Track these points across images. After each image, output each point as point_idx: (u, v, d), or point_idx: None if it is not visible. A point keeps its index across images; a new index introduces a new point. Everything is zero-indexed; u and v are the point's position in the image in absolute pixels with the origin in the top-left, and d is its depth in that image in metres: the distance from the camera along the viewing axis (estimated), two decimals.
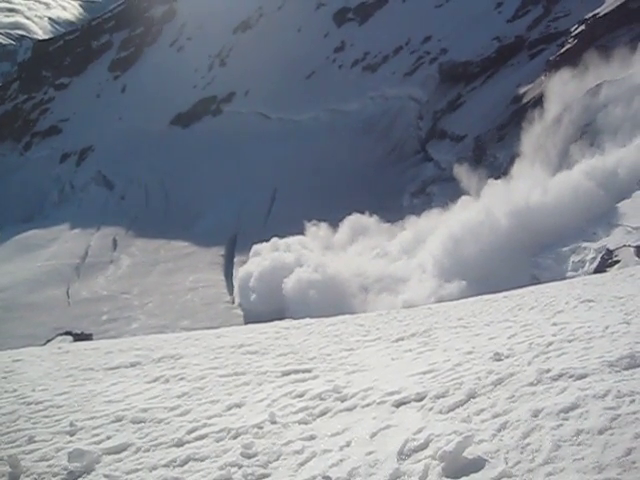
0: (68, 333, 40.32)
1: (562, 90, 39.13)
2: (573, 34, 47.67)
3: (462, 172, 42.49)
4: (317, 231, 47.87)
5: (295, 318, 12.51)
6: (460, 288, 29.36)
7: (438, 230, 36.23)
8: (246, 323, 31.87)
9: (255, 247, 49.10)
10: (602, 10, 46.80)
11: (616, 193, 27.68)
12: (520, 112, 45.34)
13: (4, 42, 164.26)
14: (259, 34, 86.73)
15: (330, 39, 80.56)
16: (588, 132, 34.95)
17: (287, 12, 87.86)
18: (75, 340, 35.09)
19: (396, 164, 60.91)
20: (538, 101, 42.52)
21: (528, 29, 58.92)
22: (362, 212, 47.71)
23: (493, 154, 46.95)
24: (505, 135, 46.89)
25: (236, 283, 47.32)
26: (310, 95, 73.24)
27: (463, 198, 38.51)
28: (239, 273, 47.88)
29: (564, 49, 47.06)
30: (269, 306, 37.91)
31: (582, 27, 47.19)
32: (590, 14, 47.41)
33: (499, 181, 36.23)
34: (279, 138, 70.29)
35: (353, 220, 47.65)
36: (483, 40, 60.66)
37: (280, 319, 13.34)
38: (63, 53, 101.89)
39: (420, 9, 73.58)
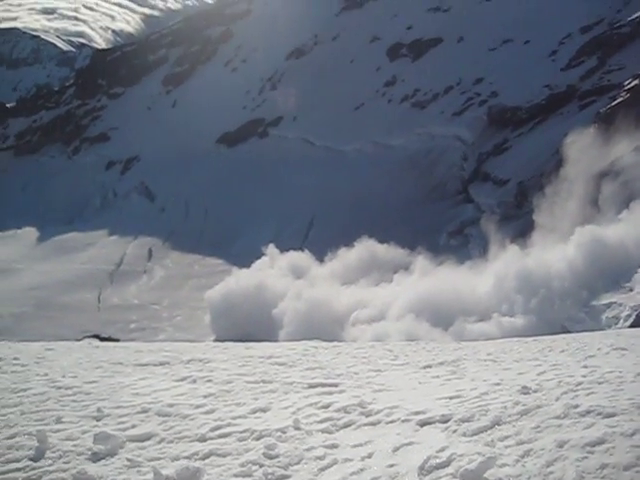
0: (95, 336, 40.54)
1: (584, 153, 38.14)
2: (626, 88, 47.40)
3: (489, 227, 41.95)
4: (334, 260, 47.08)
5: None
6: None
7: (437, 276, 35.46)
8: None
9: (270, 251, 49.28)
10: None
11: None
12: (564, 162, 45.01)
13: (65, 48, 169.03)
14: (312, 62, 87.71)
15: (382, 73, 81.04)
16: (603, 197, 33.82)
17: (342, 43, 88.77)
18: None
19: (436, 202, 60.72)
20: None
21: (581, 79, 58.66)
22: (396, 245, 47.33)
23: (534, 201, 46.65)
24: (548, 184, 46.56)
25: (215, 295, 45.06)
26: (357, 126, 73.56)
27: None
28: (223, 284, 45.80)
29: (615, 102, 46.76)
30: (240, 330, 35.23)
31: (636, 82, 46.93)
32: None
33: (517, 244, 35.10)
34: (322, 166, 70.58)
35: (364, 248, 46.89)
36: (534, 86, 60.53)
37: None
38: (120, 63, 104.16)
39: (474, 51, 73.77)
